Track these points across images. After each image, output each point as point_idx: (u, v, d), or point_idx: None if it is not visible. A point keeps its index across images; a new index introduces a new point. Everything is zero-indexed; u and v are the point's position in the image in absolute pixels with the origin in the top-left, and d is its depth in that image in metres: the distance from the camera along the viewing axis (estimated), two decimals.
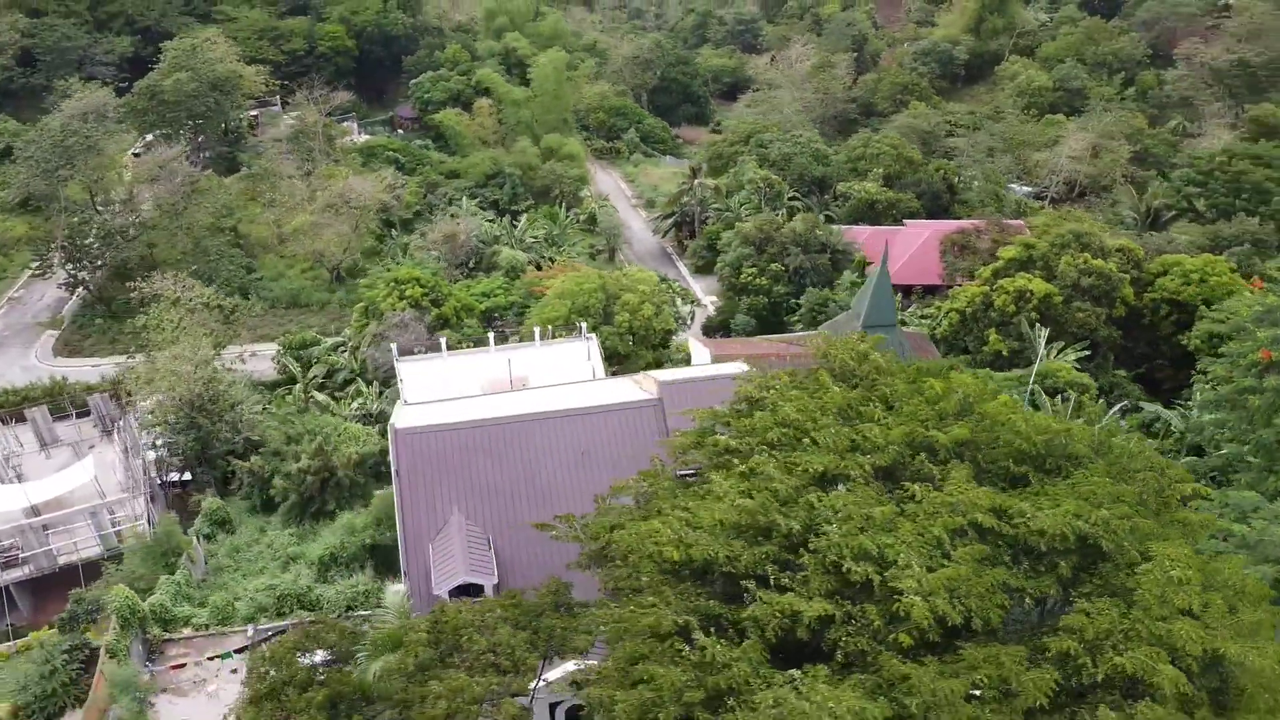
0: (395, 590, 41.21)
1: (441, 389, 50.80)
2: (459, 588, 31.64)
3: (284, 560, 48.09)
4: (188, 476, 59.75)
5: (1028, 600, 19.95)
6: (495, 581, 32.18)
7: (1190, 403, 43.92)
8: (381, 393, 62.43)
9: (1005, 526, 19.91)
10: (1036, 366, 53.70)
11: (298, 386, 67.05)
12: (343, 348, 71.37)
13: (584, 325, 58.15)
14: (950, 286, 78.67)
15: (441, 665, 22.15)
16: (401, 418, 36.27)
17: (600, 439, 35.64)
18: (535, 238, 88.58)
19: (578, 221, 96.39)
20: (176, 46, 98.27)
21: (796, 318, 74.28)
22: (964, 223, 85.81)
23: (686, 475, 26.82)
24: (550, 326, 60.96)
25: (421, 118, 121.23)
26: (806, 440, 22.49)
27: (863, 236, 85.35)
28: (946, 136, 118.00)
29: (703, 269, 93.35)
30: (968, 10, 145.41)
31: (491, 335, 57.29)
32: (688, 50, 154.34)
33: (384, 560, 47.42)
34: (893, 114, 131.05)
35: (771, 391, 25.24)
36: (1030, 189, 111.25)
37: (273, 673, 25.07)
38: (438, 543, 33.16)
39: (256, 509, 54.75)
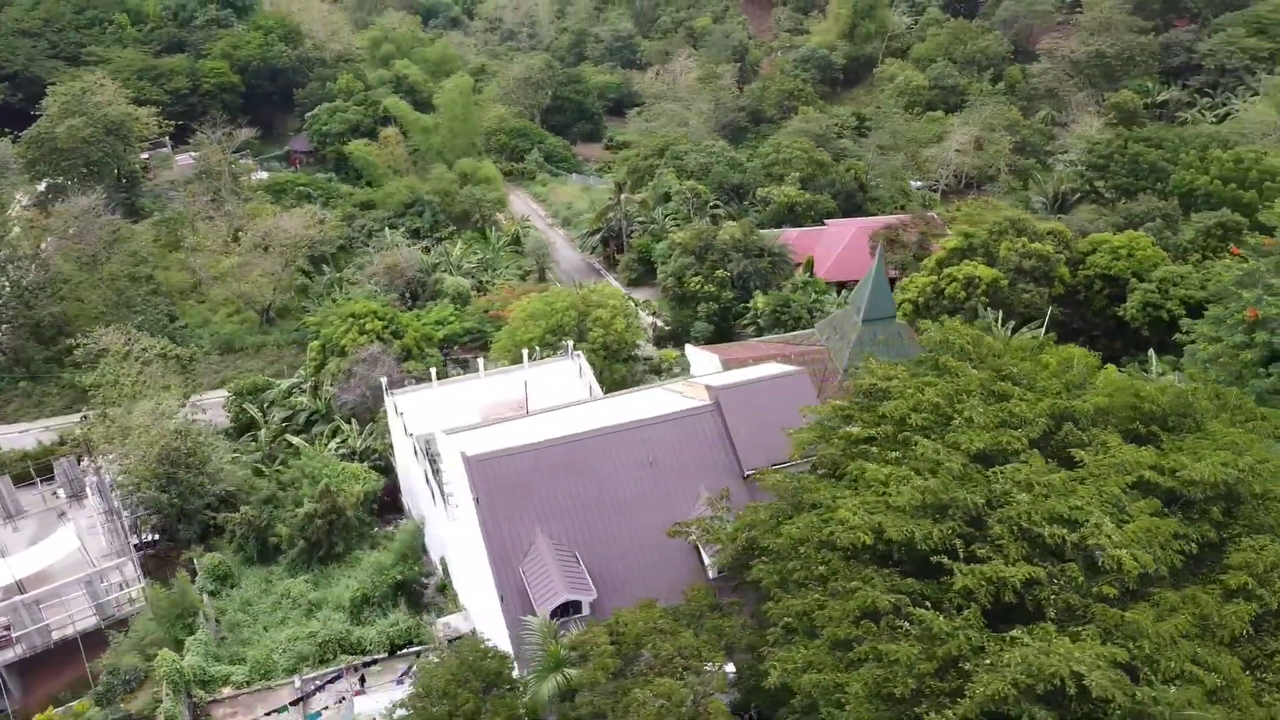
0: (446, 623, 41.06)
1: (442, 418, 50.60)
2: (558, 606, 32.02)
3: (306, 608, 46.84)
4: (155, 536, 57.34)
5: (1192, 545, 21.99)
6: (594, 597, 32.62)
7: (1182, 361, 47.91)
8: (361, 430, 61.28)
9: (1167, 480, 21.92)
10: None
11: (262, 432, 65.01)
12: (299, 389, 69.56)
13: (570, 343, 58.70)
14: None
15: (629, 675, 22.68)
16: (468, 445, 36.14)
17: (664, 448, 36.51)
18: (471, 263, 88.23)
19: (501, 244, 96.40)
20: (63, 91, 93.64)
21: (748, 320, 76.39)
22: (888, 219, 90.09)
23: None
24: (532, 347, 61.17)
25: (319, 150, 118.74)
26: (957, 421, 24.03)
27: (791, 238, 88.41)
28: (837, 138, 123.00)
29: (636, 282, 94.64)
30: (841, 17, 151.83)
31: (481, 361, 57.22)
32: (568, 69, 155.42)
33: (410, 596, 46.94)
34: (781, 120, 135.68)
35: (895, 381, 26.69)
36: (923, 183, 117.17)
37: (436, 708, 24.96)
38: (528, 564, 33.38)
39: (253, 560, 53.01)
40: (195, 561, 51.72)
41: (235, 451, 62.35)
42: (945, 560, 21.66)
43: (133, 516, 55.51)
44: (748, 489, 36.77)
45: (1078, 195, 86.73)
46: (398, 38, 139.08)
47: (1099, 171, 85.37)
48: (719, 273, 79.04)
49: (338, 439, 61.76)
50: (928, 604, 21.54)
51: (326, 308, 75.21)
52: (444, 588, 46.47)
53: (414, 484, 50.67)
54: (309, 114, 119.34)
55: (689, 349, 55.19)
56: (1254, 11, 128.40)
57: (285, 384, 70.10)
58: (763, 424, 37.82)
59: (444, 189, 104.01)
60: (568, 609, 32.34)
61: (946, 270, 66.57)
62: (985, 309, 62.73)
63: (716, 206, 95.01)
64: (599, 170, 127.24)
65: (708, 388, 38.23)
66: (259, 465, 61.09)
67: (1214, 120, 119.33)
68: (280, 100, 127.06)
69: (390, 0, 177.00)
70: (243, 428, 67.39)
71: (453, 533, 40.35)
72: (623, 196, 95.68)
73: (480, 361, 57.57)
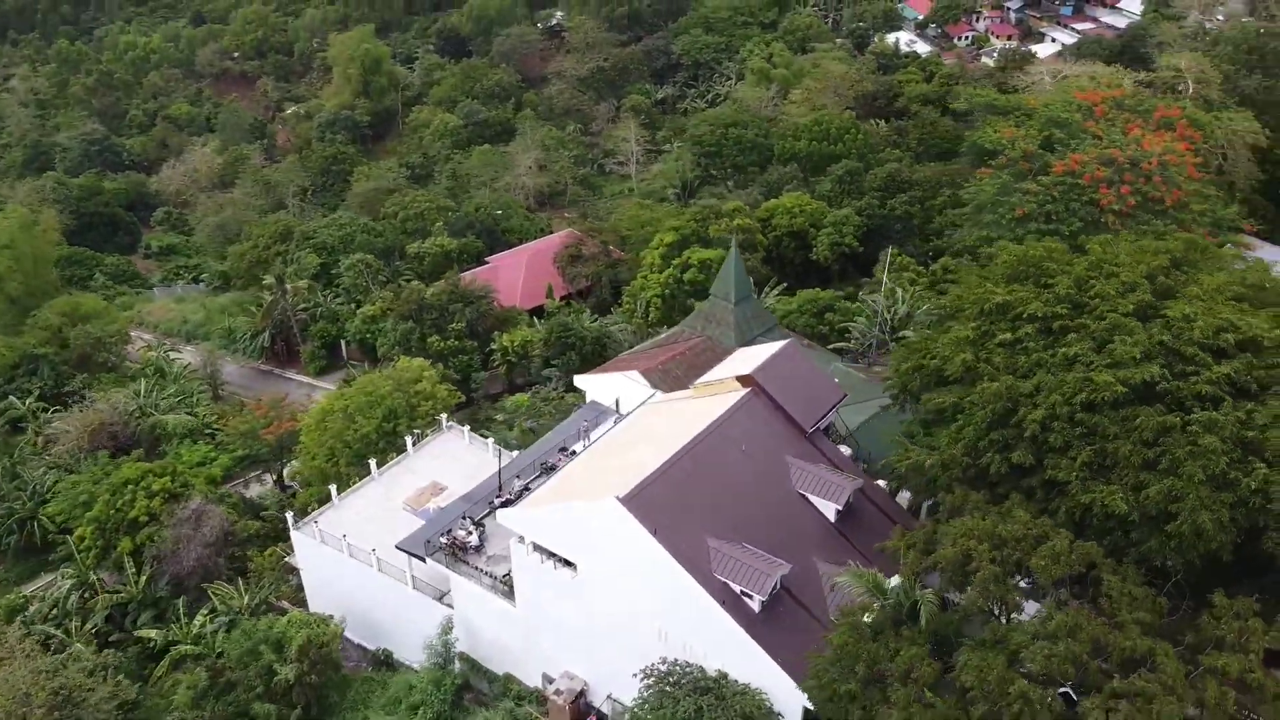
0: (567, 674, 41.92)
1: (378, 526, 49.36)
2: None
3: None
4: None
5: None
6: (790, 567, 37.17)
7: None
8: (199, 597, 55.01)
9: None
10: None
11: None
12: (79, 587, 59.49)
13: (443, 416, 58.70)
14: (582, 292, 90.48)
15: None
16: (601, 494, 37.58)
17: (744, 434, 41.52)
18: (165, 398, 79.27)
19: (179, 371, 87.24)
20: None
21: (498, 361, 79.26)
22: (552, 240, 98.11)
23: None
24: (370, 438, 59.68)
25: None
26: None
27: (464, 281, 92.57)
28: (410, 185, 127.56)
29: (325, 370, 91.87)
30: (352, 77, 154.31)
31: (373, 462, 54.98)
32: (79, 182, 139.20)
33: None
34: (340, 186, 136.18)
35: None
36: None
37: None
38: (720, 567, 36.74)
39: None
40: None
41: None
42: None
43: None
44: (812, 443, 43.43)
45: (699, 180, 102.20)
46: None
47: (713, 158, 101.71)
48: (453, 326, 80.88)
49: (203, 614, 54.42)
50: None
51: (69, 489, 64.05)
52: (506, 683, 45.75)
53: (406, 611, 48.38)
54: None
55: (580, 380, 58.28)
56: (700, 14, 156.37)
57: (64, 585, 59.38)
58: (794, 388, 44.50)
59: (48, 338, 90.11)
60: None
61: (675, 261, 76.36)
62: None
63: (395, 270, 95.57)
64: (194, 277, 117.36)
65: (738, 378, 43.70)
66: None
67: (706, 105, 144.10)
68: None
69: None
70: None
71: (560, 601, 40.97)
72: (289, 287, 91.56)
73: (372, 463, 55.21)
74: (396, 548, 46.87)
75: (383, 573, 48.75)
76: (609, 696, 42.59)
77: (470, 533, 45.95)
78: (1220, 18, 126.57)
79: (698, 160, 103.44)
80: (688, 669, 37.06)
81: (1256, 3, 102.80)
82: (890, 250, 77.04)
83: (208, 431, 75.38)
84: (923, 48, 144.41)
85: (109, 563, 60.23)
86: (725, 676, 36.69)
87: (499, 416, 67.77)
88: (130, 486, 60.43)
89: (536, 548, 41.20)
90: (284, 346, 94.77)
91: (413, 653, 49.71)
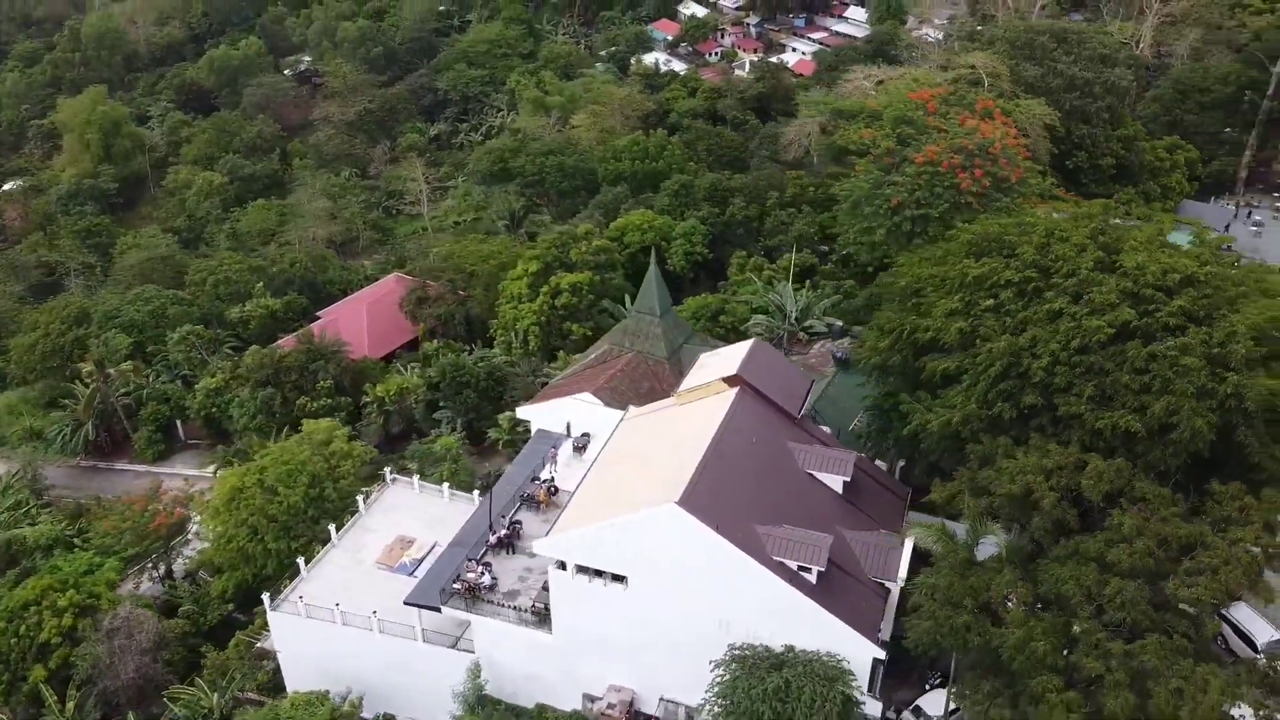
0: (616, 688, 43.71)
1: (342, 592, 48.83)
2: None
3: None
4: None
5: None
6: (832, 538, 41.00)
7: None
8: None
9: None
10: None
11: None
12: None
13: (387, 470, 57.90)
14: (432, 332, 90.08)
15: None
16: (661, 502, 39.55)
17: (750, 428, 44.95)
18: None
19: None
20: None
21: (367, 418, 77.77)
22: (384, 286, 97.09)
23: None
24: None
25: None
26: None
27: (316, 329, 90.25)
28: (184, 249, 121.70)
29: (163, 455, 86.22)
30: (92, 142, 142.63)
31: (332, 528, 53.32)
32: None
33: None
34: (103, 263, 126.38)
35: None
36: None
37: None
38: (777, 549, 39.94)
39: None
40: None
41: None
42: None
43: None
44: (801, 427, 47.54)
45: (524, 210, 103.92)
46: None
47: (535, 187, 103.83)
48: (321, 385, 78.59)
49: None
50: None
51: None
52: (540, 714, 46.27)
53: (414, 667, 47.76)
54: None
55: (523, 411, 58.92)
56: (458, 49, 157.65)
57: None
58: (774, 381, 48.18)
59: None
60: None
61: (544, 289, 78.35)
62: (600, 301, 76.94)
63: (222, 339, 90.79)
64: None
65: (724, 379, 46.90)
66: None
67: (482, 138, 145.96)
68: None
69: None
70: None
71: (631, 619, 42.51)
72: (107, 373, 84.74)
73: (331, 528, 53.48)
74: (406, 603, 46.25)
75: (384, 633, 47.75)
76: (661, 699, 44.47)
77: (482, 574, 46.23)
78: (939, 21, 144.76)
79: (521, 190, 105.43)
80: (760, 649, 39.90)
81: (975, 7, 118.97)
82: (736, 253, 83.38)
83: (68, 538, 69.06)
84: (679, 66, 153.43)
85: (19, 698, 54.37)
86: (793, 649, 39.82)
87: (411, 465, 66.88)
88: (32, 609, 55.01)
89: (580, 570, 42.44)
90: (107, 437, 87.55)
91: (420, 711, 49.09)
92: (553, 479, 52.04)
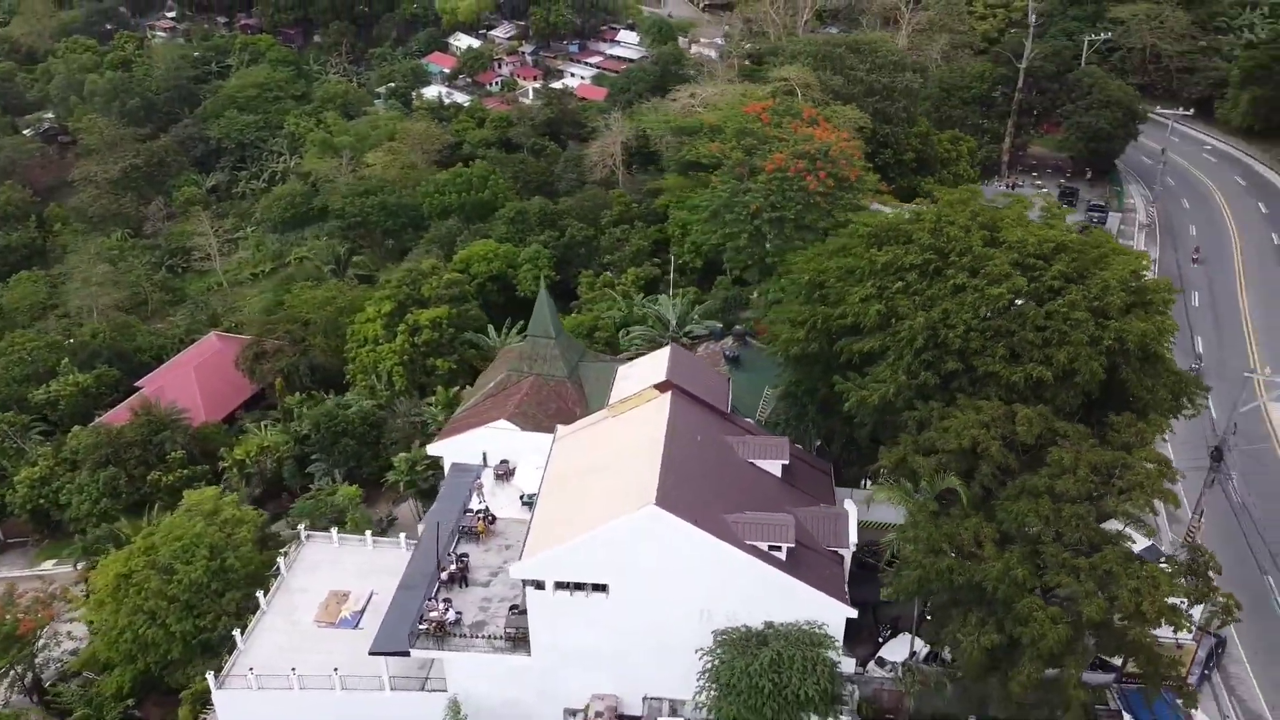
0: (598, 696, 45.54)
1: (286, 656, 48.39)
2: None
3: None
4: None
5: None
6: (792, 517, 44.56)
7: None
8: None
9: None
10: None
11: None
12: None
13: (301, 528, 56.35)
14: (266, 388, 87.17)
15: None
16: (641, 506, 41.48)
17: (693, 426, 47.85)
18: None
19: None
20: None
21: (230, 477, 74.96)
22: (206, 346, 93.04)
23: None
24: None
25: None
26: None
27: (151, 390, 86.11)
28: None
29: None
30: None
31: (260, 594, 51.37)
32: None
33: None
34: None
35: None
36: None
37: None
38: (747, 531, 43.00)
39: None
40: None
41: None
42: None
43: None
44: (731, 422, 50.90)
45: (349, 252, 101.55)
46: None
47: (355, 229, 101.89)
48: (174, 455, 74.66)
49: None
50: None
51: None
52: None
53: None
54: None
55: (434, 447, 58.54)
56: (226, 95, 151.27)
57: None
58: (699, 382, 51.25)
59: None
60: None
61: (402, 327, 77.90)
62: (464, 332, 77.69)
63: (28, 424, 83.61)
64: None
65: (657, 386, 49.35)
66: None
67: (265, 185, 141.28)
68: None
69: None
70: None
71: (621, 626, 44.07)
72: None
73: (260, 594, 51.47)
74: (372, 653, 45.74)
75: (346, 689, 46.82)
76: (645, 698, 46.35)
77: (446, 610, 46.44)
78: (708, 40, 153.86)
79: (344, 233, 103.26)
80: (743, 630, 42.81)
81: (748, 25, 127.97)
82: (585, 273, 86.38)
83: None
84: (461, 97, 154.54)
85: None
86: (772, 624, 43.02)
87: (300, 521, 64.82)
88: None
89: (559, 586, 43.71)
90: None
91: None
92: (486, 508, 52.82)
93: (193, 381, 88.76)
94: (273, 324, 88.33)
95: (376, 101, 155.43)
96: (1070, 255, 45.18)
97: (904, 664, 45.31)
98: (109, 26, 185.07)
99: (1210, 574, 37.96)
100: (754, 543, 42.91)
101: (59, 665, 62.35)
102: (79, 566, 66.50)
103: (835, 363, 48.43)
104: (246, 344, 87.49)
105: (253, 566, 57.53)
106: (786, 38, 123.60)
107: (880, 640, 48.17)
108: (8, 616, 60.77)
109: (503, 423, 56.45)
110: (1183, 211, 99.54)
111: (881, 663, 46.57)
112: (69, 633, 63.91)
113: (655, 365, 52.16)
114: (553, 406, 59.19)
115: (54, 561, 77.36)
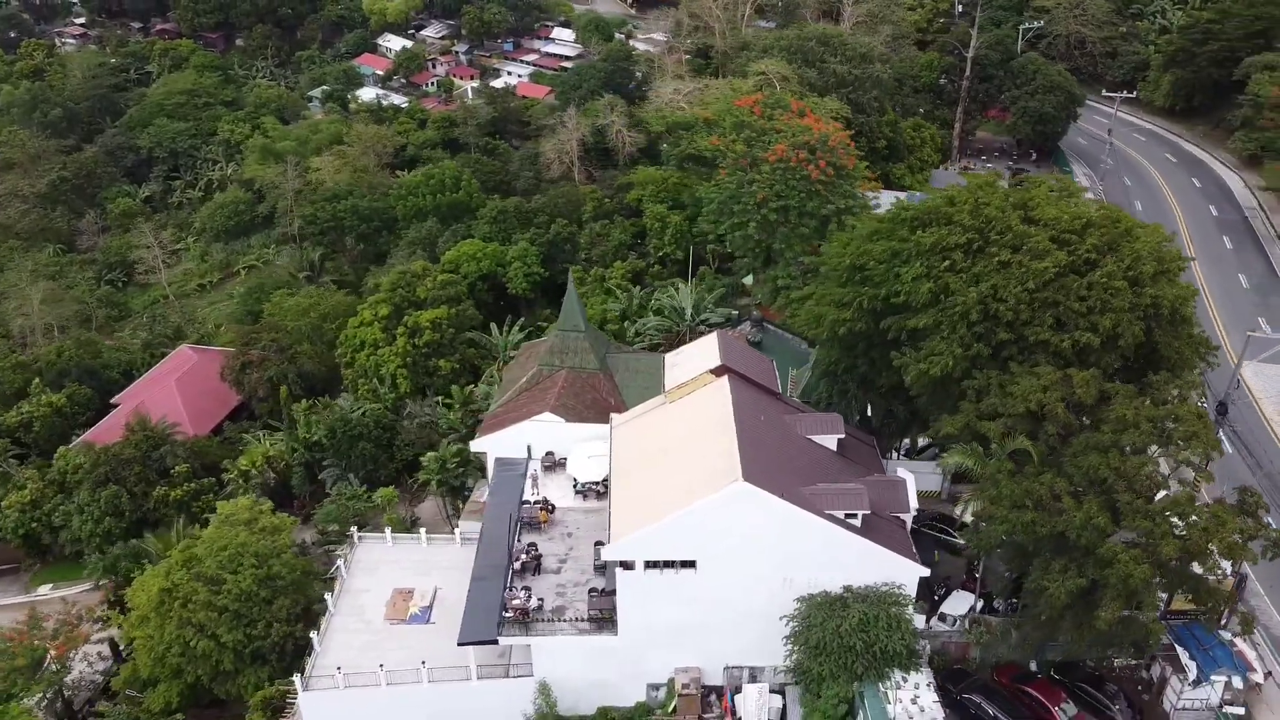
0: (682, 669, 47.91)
1: (365, 654, 49.75)
2: None
3: None
4: None
5: None
6: (864, 487, 47.54)
7: None
8: None
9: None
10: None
11: None
12: None
13: (354, 530, 57.10)
14: (251, 400, 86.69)
15: None
16: (729, 483, 43.83)
17: (753, 407, 50.42)
18: None
19: None
20: None
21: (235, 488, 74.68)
22: (181, 359, 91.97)
23: None
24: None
25: None
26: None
27: (130, 406, 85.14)
28: None
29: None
30: None
31: (328, 596, 52.08)
32: None
33: None
34: None
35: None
36: None
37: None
38: (822, 501, 45.85)
39: None
40: None
41: None
42: None
43: None
44: (783, 401, 53.57)
45: (323, 258, 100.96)
46: None
47: (322, 235, 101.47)
48: (178, 470, 74.04)
49: None
50: None
51: None
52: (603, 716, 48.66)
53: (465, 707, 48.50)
54: None
55: (477, 444, 59.42)
56: (153, 102, 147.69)
57: None
58: (751, 365, 53.86)
59: None
60: None
61: (400, 330, 78.62)
62: (471, 329, 79.00)
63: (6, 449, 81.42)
64: None
65: (712, 371, 51.76)
66: None
67: (202, 194, 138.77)
68: None
69: None
70: None
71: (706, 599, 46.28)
72: None
73: (328, 596, 52.11)
74: (460, 644, 47.08)
75: (433, 682, 48.02)
76: (726, 668, 48.78)
77: (527, 598, 48.07)
78: (647, 36, 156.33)
79: (316, 239, 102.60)
80: (823, 594, 45.67)
81: (691, 21, 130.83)
82: (574, 269, 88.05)
83: None
84: (398, 99, 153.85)
85: None
86: (850, 587, 45.98)
87: (332, 526, 65.28)
88: None
89: (649, 565, 45.81)
90: None
91: None
92: (545, 498, 54.51)
93: (175, 395, 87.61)
94: (255, 334, 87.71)
95: (311, 105, 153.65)
96: (1100, 230, 49.10)
97: (968, 616, 48.78)
98: (12, 34, 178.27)
99: (1260, 512, 42.22)
100: (832, 511, 45.74)
101: (91, 686, 61.67)
102: (101, 585, 65.66)
103: (877, 340, 51.57)
104: (231, 355, 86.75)
105: (297, 572, 58.11)
106: (730, 33, 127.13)
107: (936, 598, 51.51)
108: (36, 642, 60.03)
109: (547, 415, 57.98)
110: (1125, 189, 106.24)
111: (943, 618, 49.90)
112: (100, 654, 63.30)
113: (706, 351, 54.50)
114: (588, 397, 60.97)
115: (50, 586, 75.99)
